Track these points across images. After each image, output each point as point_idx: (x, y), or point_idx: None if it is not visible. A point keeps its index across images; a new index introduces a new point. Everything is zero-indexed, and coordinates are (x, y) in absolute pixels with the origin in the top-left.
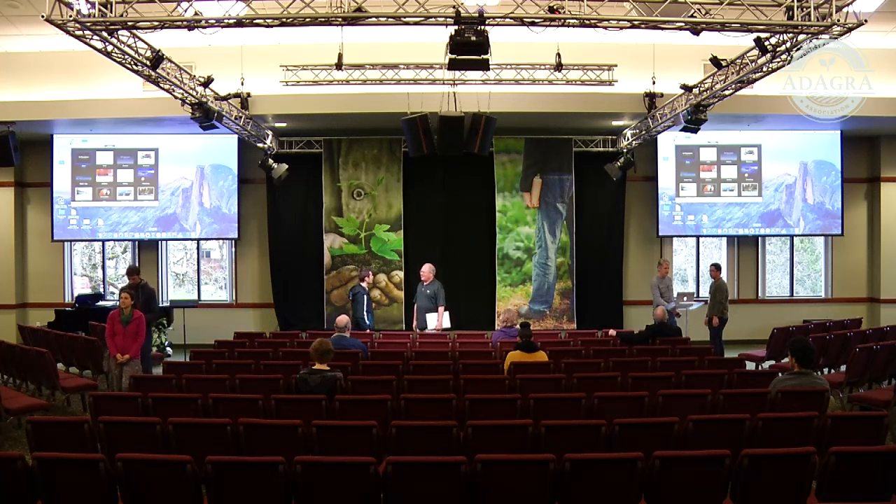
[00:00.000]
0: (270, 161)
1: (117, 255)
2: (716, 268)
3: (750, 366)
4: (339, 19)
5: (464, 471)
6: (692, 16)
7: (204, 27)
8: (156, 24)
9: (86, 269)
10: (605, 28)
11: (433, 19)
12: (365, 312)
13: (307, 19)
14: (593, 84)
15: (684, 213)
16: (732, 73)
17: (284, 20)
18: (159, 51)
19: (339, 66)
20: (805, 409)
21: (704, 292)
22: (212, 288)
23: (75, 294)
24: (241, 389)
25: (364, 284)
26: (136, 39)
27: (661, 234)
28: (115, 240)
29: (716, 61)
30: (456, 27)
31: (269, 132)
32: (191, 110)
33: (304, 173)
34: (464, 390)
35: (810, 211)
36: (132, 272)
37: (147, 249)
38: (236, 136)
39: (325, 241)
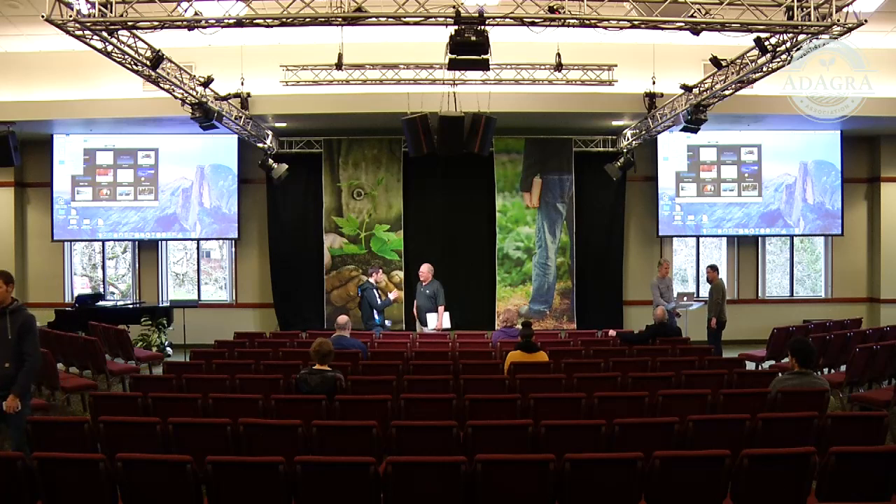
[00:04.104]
0: (270, 161)
1: (117, 255)
2: (711, 269)
3: (750, 366)
4: (339, 19)
5: (464, 471)
6: (692, 16)
7: (204, 27)
8: (156, 24)
9: (86, 269)
10: (605, 28)
11: (433, 19)
12: (375, 312)
13: (307, 19)
14: (593, 84)
15: (684, 213)
16: (732, 73)
17: (284, 20)
18: (159, 51)
19: (339, 66)
20: (805, 409)
21: (704, 292)
22: (212, 288)
23: (75, 294)
24: (241, 389)
25: (373, 280)
26: (136, 39)
27: (661, 234)
28: (115, 240)
29: (716, 61)
30: (456, 27)
31: (269, 132)
32: (191, 110)
33: (304, 173)
34: (464, 390)
35: (810, 211)
36: (6, 279)
37: (147, 249)
38: (236, 136)
39: (325, 241)
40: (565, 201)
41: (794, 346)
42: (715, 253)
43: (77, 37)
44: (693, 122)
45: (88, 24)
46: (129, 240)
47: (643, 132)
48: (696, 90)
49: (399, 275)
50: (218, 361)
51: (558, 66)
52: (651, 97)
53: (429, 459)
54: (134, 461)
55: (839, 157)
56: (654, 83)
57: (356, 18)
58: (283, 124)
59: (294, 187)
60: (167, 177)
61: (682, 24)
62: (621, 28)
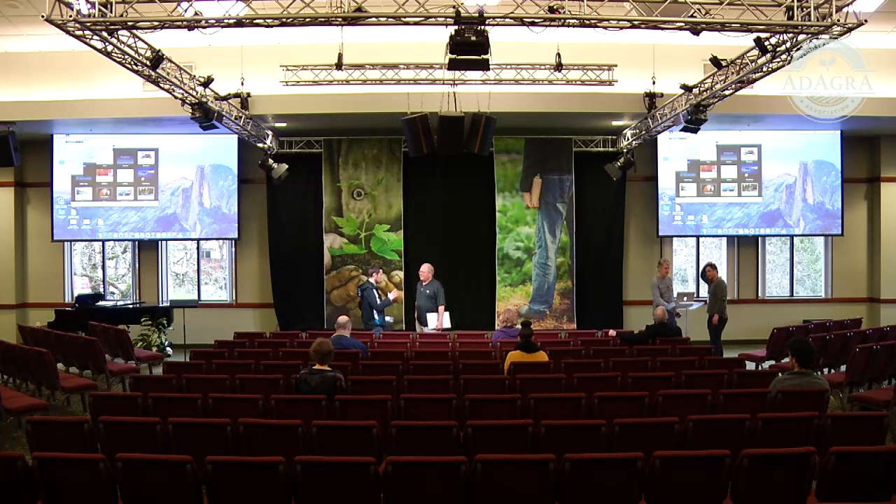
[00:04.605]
0: (270, 161)
1: (117, 255)
2: (711, 267)
3: (750, 366)
4: (339, 19)
5: (464, 471)
6: (692, 16)
7: (204, 27)
8: (156, 24)
9: (86, 269)
10: (605, 28)
11: (433, 19)
12: (374, 312)
13: (307, 19)
14: (593, 84)
15: (684, 213)
16: (732, 73)
17: (284, 20)
18: (159, 51)
19: (339, 66)
20: (805, 409)
21: (704, 292)
22: (212, 288)
23: (75, 294)
24: (241, 389)
25: (373, 280)
26: (136, 39)
27: (661, 234)
28: (115, 240)
29: (716, 61)
30: (456, 27)
31: (269, 132)
32: (191, 110)
33: (304, 173)
34: (464, 390)
35: (810, 211)
36: None
37: (147, 249)
38: (236, 136)
39: (325, 241)
40: (565, 201)
41: (794, 345)
42: (715, 253)
43: (77, 37)
44: (693, 122)
45: (88, 24)
46: (129, 240)
47: (643, 132)
48: (696, 90)
49: (399, 275)
50: (218, 361)
51: (558, 66)
52: (651, 97)
53: (429, 459)
54: (134, 461)
55: (839, 157)
56: (654, 83)
57: (356, 18)
58: (283, 124)
59: (294, 187)
60: (167, 177)
61: (682, 24)
62: (621, 28)
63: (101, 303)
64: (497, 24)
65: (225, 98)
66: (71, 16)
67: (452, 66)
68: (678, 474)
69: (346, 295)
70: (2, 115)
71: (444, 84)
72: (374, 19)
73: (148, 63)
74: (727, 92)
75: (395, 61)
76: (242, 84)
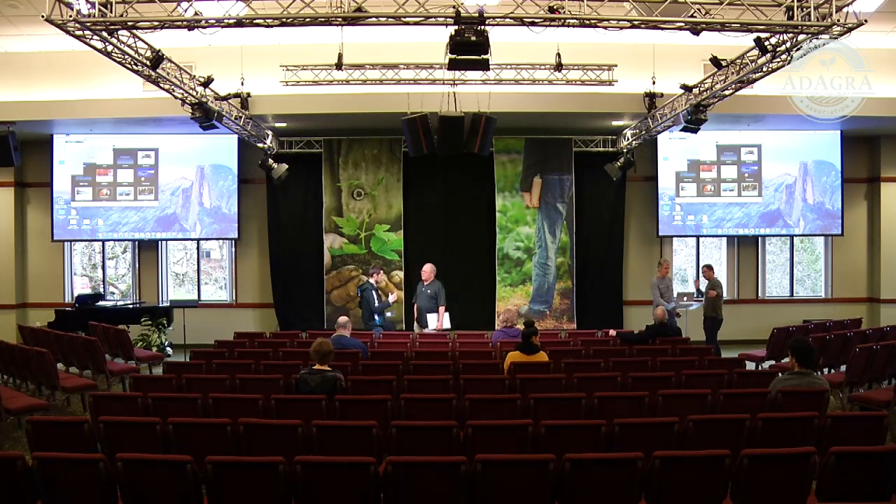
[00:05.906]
0: (270, 161)
1: (117, 255)
2: (709, 268)
3: (750, 366)
4: (339, 19)
5: (464, 471)
6: (692, 16)
7: (204, 27)
8: (156, 24)
9: (86, 269)
10: (605, 28)
11: (433, 19)
12: (374, 312)
13: (307, 19)
14: (593, 84)
15: (684, 213)
16: (732, 73)
17: (284, 20)
18: (159, 51)
19: (339, 66)
20: (805, 409)
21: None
22: (212, 288)
23: (75, 294)
24: (241, 389)
25: (373, 281)
26: (136, 39)
27: (661, 234)
28: (115, 240)
29: (716, 61)
30: (456, 27)
31: (269, 132)
32: (191, 110)
33: (304, 173)
34: (464, 390)
35: (810, 211)
36: None
37: (147, 249)
38: (236, 136)
39: (325, 241)
40: (565, 201)
41: (794, 345)
42: (715, 253)
43: (77, 37)
44: (693, 122)
45: (88, 24)
46: (129, 240)
47: (643, 132)
48: (696, 90)
49: (399, 275)
50: (218, 361)
51: (558, 66)
52: (651, 97)
53: (429, 459)
54: (134, 461)
55: (839, 157)
56: (654, 83)
57: (356, 18)
58: (283, 124)
59: (294, 187)
60: (167, 177)
61: (682, 24)
62: (621, 28)
63: (101, 303)
64: (497, 24)
65: (225, 98)
66: (71, 16)
67: (452, 66)
68: (678, 474)
69: (346, 295)
70: (2, 115)
71: (444, 84)
72: (374, 19)
73: (148, 63)
74: (727, 92)
75: (395, 61)
76: (242, 84)
